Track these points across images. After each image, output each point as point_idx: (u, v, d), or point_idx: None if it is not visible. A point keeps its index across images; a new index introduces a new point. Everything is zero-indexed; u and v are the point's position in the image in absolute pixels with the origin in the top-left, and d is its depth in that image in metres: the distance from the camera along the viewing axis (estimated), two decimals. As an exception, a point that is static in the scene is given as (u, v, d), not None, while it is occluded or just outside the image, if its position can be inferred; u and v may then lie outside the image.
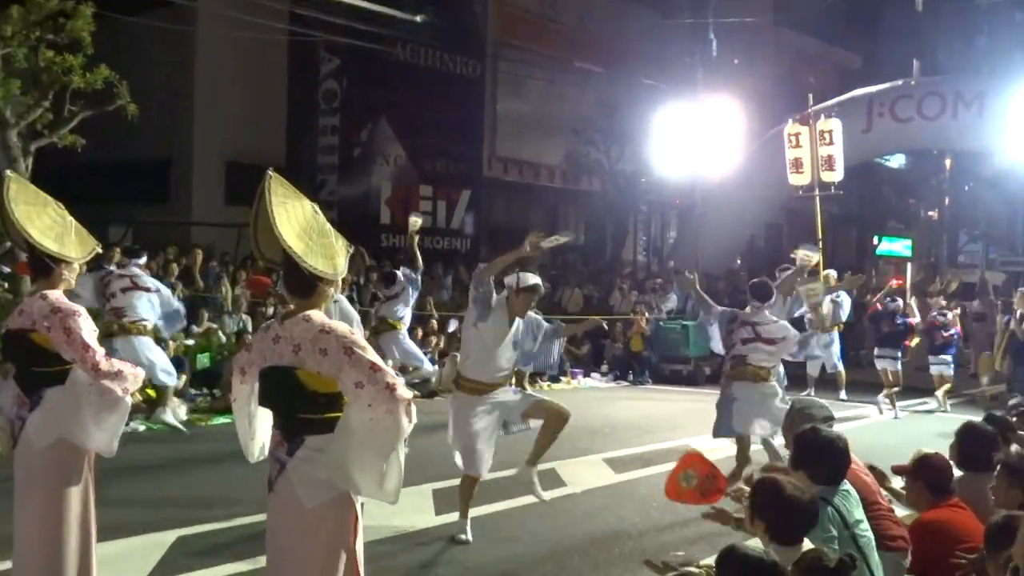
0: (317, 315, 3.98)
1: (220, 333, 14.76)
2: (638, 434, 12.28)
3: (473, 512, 7.69)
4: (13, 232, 4.92)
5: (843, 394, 15.45)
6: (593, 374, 18.57)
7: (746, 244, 25.41)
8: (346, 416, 3.86)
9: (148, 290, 10.73)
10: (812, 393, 15.03)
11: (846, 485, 4.51)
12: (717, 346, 8.86)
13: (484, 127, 25.24)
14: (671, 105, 22.22)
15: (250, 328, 15.34)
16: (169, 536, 6.93)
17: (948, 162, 32.73)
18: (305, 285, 4.01)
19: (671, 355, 18.64)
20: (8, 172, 5.04)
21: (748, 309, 8.72)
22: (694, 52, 23.52)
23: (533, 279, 7.26)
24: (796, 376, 17.23)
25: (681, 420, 13.77)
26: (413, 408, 3.83)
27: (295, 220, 3.97)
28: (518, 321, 7.23)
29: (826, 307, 15.57)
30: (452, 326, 17.11)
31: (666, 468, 9.92)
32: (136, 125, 13.66)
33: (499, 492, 8.48)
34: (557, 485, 9.09)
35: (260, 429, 4.30)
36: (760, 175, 20.59)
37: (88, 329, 4.84)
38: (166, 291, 11.18)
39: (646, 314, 18.79)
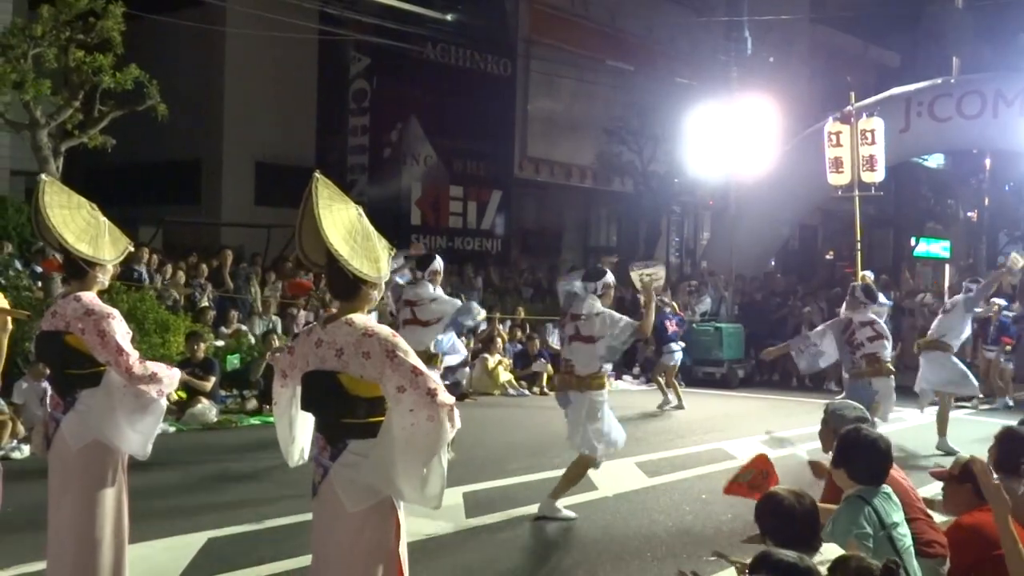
0: (360, 318, 3.97)
1: (250, 334, 14.72)
2: (671, 438, 12.12)
3: (503, 516, 7.70)
4: (48, 236, 4.94)
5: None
6: (625, 376, 18.41)
7: (780, 245, 25.14)
8: (388, 421, 3.83)
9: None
10: (846, 395, 14.82)
11: (887, 488, 4.53)
12: None
13: (515, 127, 25.14)
14: (705, 104, 22.02)
15: (279, 329, 15.32)
16: (199, 538, 6.95)
17: (988, 162, 32.31)
18: (349, 288, 4.00)
19: (704, 358, 18.43)
20: (43, 176, 5.07)
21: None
22: (728, 50, 23.25)
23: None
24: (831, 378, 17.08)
25: (714, 423, 13.59)
26: (456, 414, 3.81)
27: (340, 223, 3.95)
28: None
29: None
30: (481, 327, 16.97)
31: (699, 472, 9.85)
32: (166, 125, 13.64)
33: (533, 495, 8.41)
34: (588, 489, 9.00)
35: (300, 433, 4.32)
36: (796, 175, 20.35)
37: (122, 332, 4.84)
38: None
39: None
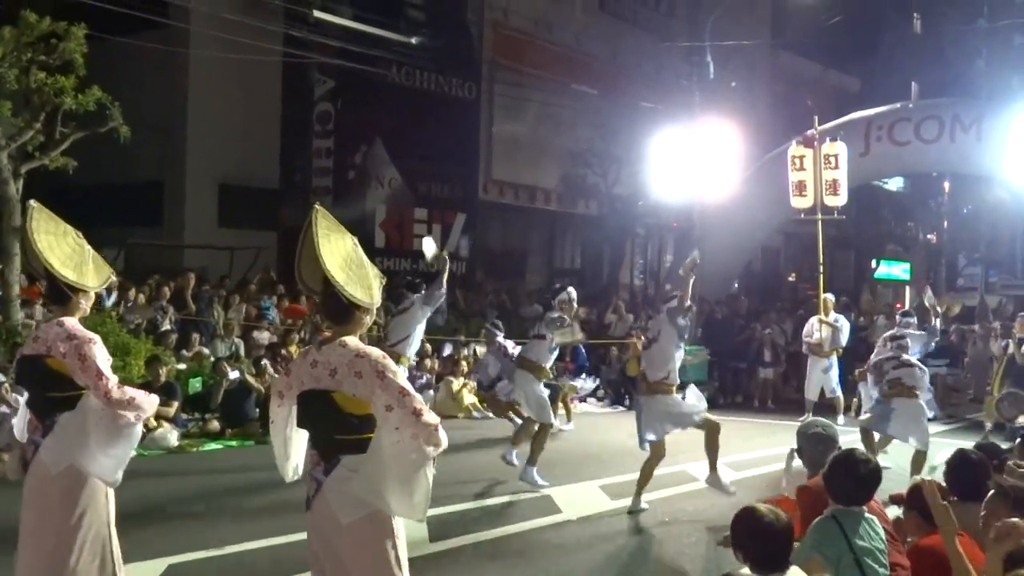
0: (352, 340, 4.24)
1: (212, 357, 14.60)
2: (634, 460, 12.00)
3: (468, 539, 7.71)
4: (35, 262, 5.08)
5: (841, 419, 15.28)
6: (589, 399, 18.40)
7: (743, 267, 25.30)
8: (377, 437, 4.07)
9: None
10: (810, 418, 14.92)
11: (871, 516, 4.63)
12: None
13: (480, 149, 25.15)
14: (668, 128, 22.18)
15: (242, 352, 15.23)
16: (159, 564, 6.90)
17: (947, 185, 32.73)
18: (344, 313, 4.27)
19: (668, 379, 18.43)
20: (32, 202, 5.20)
21: None
22: (691, 75, 23.50)
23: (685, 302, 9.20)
24: (793, 400, 17.16)
25: (677, 446, 13.51)
26: (441, 433, 4.06)
27: (337, 252, 4.26)
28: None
29: (825, 332, 15.50)
30: (447, 350, 16.94)
31: (662, 495, 9.87)
32: (128, 147, 13.59)
33: (497, 519, 8.39)
34: (553, 512, 9.01)
35: (295, 451, 4.55)
36: (758, 198, 20.51)
37: (103, 357, 4.99)
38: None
39: (643, 337, 18.58)
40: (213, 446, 12.36)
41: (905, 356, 11.25)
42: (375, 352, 4.19)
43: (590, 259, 29.25)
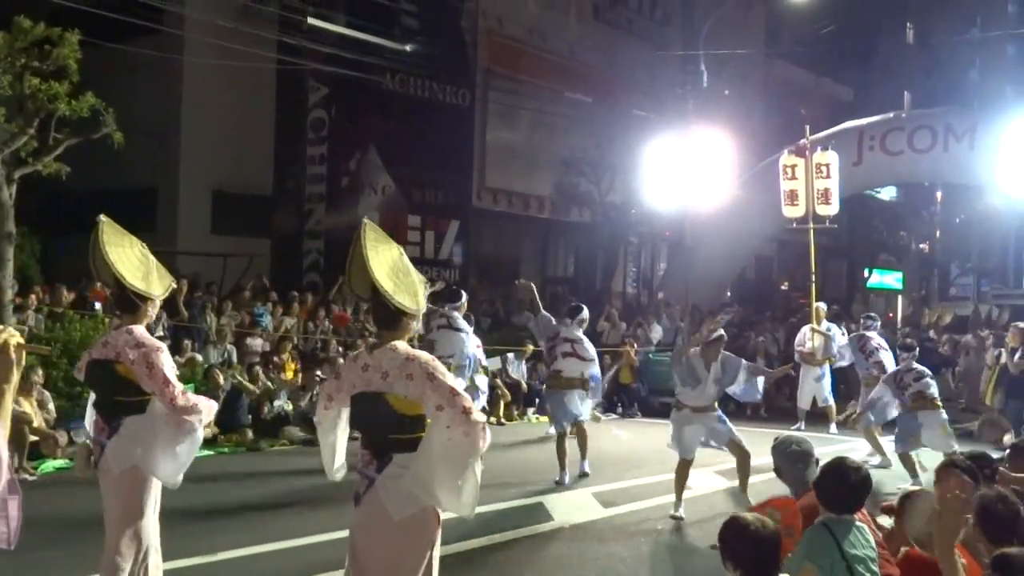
0: (402, 345, 4.47)
1: (204, 364, 14.57)
2: (627, 468, 12.12)
3: (460, 547, 7.66)
4: (105, 273, 5.36)
5: (833, 427, 15.35)
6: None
7: (736, 276, 25.34)
8: (428, 436, 4.27)
9: (459, 331, 11.28)
10: (803, 427, 14.96)
11: (860, 524, 4.62)
12: None
13: (473, 157, 25.13)
14: (661, 136, 22.23)
15: (235, 359, 15.20)
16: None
17: (939, 195, 32.82)
18: (392, 319, 4.50)
19: (661, 387, 18.38)
20: (102, 216, 5.49)
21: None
22: (685, 83, 23.57)
23: (718, 333, 9.28)
24: (785, 409, 17.17)
25: (670, 453, 13.56)
26: (488, 431, 4.25)
27: (385, 262, 4.50)
28: (715, 363, 9.16)
29: (817, 341, 15.52)
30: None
31: (654, 503, 9.88)
32: (122, 153, 13.53)
33: (489, 526, 8.37)
34: (545, 520, 9.01)
35: (340, 451, 4.76)
36: (751, 207, 20.55)
37: (169, 365, 5.28)
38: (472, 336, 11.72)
39: (635, 345, 18.64)
40: (206, 452, 12.31)
41: (919, 367, 11.33)
42: (424, 355, 4.41)
43: (583, 267, 29.26)
